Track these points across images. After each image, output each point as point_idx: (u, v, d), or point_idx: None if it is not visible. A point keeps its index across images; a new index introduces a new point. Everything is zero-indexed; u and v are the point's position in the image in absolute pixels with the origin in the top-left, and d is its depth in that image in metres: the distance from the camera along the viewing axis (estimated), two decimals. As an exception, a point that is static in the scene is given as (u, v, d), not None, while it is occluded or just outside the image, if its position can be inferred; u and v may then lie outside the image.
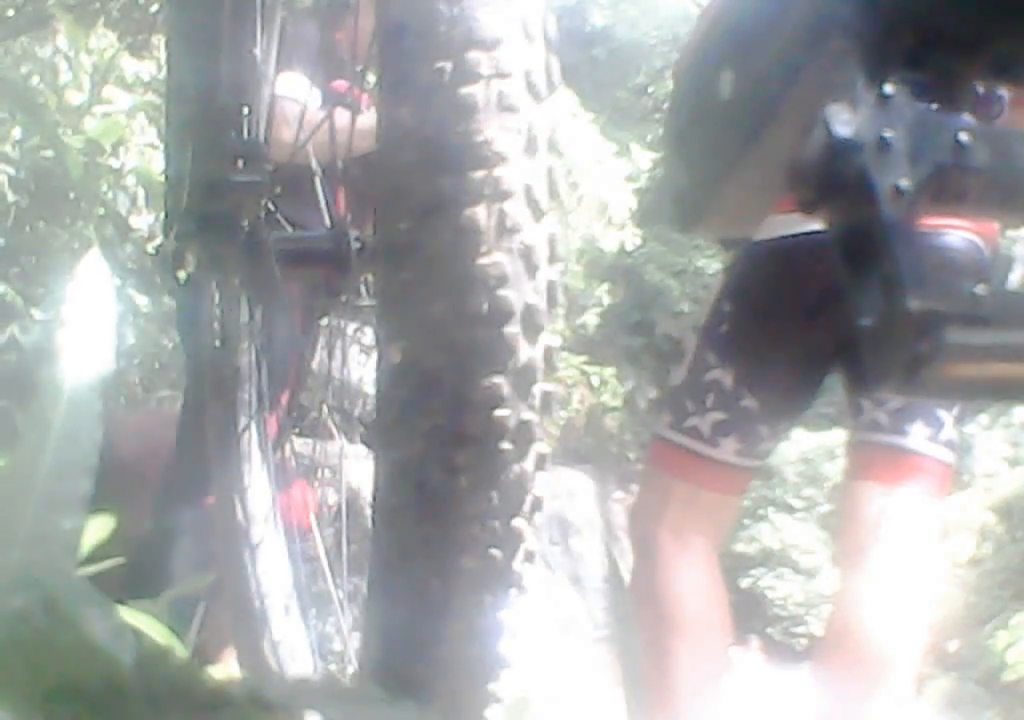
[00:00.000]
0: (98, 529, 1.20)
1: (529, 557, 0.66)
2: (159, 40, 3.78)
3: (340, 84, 2.06)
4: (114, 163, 3.14)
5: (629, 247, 5.95)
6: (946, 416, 1.53)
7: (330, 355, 1.45)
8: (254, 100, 1.05)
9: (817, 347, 1.54)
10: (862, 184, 0.38)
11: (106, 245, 3.05)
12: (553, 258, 0.63)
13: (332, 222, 1.05)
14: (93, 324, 0.43)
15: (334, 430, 1.66)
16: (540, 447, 0.64)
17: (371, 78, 0.89)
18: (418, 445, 0.63)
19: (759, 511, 5.83)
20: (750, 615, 5.21)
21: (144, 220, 3.23)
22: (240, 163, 1.00)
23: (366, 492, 2.32)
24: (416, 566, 0.65)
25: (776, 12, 0.45)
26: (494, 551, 0.64)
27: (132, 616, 1.14)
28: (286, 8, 1.38)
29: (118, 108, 3.18)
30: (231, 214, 1.00)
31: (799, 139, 0.40)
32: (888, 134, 0.39)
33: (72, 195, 3.14)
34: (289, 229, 1.12)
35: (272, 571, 1.17)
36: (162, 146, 1.40)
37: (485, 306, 0.60)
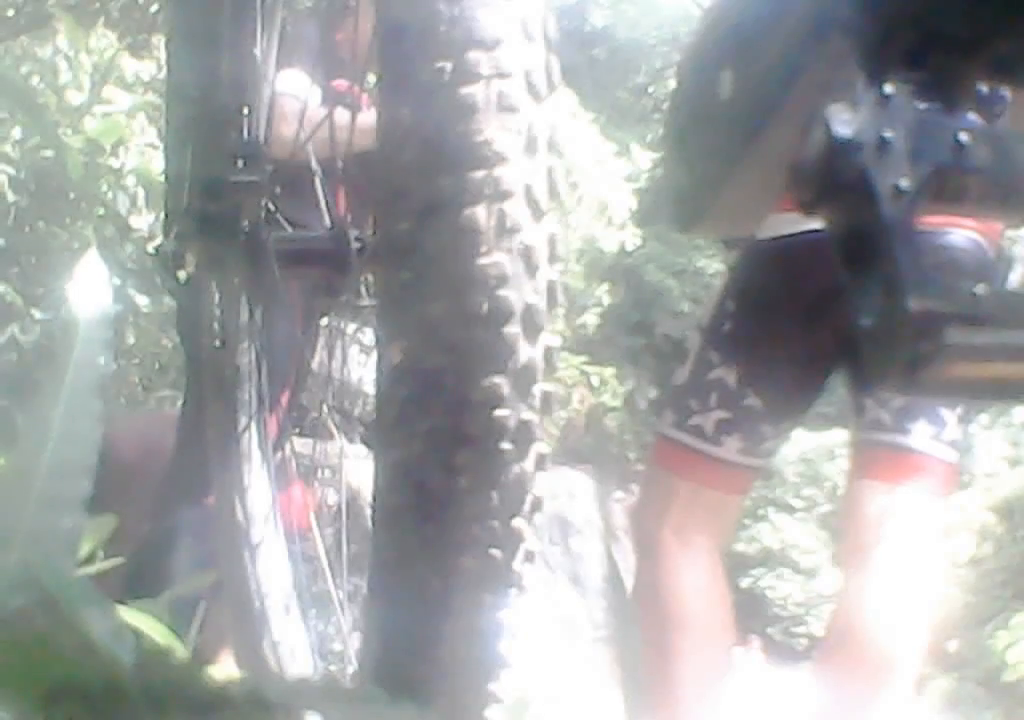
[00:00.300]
0: (98, 529, 1.19)
1: (529, 557, 0.66)
2: (159, 40, 3.78)
3: (340, 84, 2.06)
4: (114, 163, 3.14)
5: (629, 247, 5.96)
6: (949, 415, 1.52)
7: (330, 355, 1.45)
8: (254, 100, 1.05)
9: (821, 346, 1.53)
10: (862, 184, 0.38)
11: (106, 245, 3.05)
12: (553, 258, 0.63)
13: (332, 222, 1.05)
14: (93, 324, 0.43)
15: (334, 430, 1.67)
16: (540, 447, 0.64)
17: (371, 78, 0.89)
18: (418, 445, 0.63)
19: (759, 511, 5.84)
20: (750, 615, 5.22)
21: (144, 220, 3.22)
22: (240, 163, 1.00)
23: (366, 492, 2.32)
24: (416, 566, 0.65)
25: (776, 12, 0.45)
26: (494, 551, 0.64)
27: (132, 616, 1.13)
28: (286, 8, 1.37)
29: (118, 108, 3.18)
30: (231, 214, 1.00)
31: (799, 139, 0.40)
32: (888, 134, 0.39)
33: (72, 195, 3.14)
34: (289, 229, 1.12)
35: (272, 571, 1.17)
36: (162, 146, 1.40)
37: (485, 306, 0.60)
